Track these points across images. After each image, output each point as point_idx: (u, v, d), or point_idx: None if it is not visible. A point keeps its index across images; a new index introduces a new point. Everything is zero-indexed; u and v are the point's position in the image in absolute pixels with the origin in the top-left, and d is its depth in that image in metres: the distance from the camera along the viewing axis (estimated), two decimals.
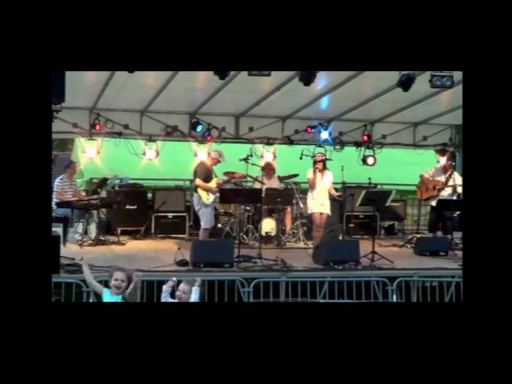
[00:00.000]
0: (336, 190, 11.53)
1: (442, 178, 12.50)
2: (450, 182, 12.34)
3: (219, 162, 11.22)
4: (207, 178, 10.88)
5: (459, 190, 12.27)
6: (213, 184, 10.92)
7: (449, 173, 12.49)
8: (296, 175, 13.21)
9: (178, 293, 5.93)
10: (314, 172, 10.87)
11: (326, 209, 10.96)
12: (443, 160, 13.37)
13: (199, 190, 10.80)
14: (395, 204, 14.13)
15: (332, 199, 11.36)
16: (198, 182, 10.80)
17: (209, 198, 10.79)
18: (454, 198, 12.26)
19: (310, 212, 11.15)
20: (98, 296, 6.24)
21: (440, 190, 12.42)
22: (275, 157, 13.84)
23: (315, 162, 10.95)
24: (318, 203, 10.87)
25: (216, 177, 11.16)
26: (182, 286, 5.96)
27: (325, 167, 11.02)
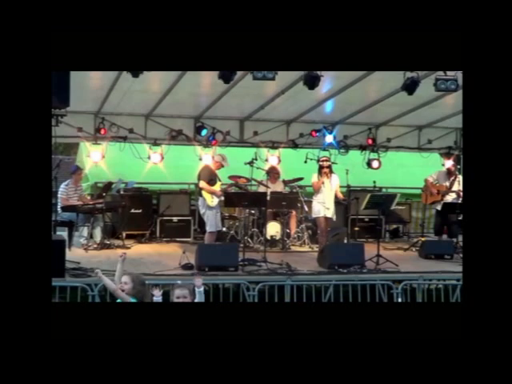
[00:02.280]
0: (342, 193, 11.49)
1: (447, 183, 12.50)
2: (455, 186, 12.32)
3: (222, 166, 11.23)
4: (211, 181, 10.89)
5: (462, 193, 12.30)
6: (217, 187, 10.93)
7: (453, 177, 12.48)
8: (301, 179, 13.20)
9: (177, 300, 5.42)
10: (322, 176, 10.81)
11: (330, 213, 10.92)
12: (449, 163, 13.34)
13: (203, 193, 10.81)
14: (400, 207, 14.13)
15: (336, 202, 11.33)
16: (202, 184, 10.81)
17: (213, 201, 10.79)
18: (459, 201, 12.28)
19: (314, 216, 11.13)
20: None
21: (444, 195, 12.41)
22: (280, 160, 13.83)
23: (322, 167, 10.90)
24: (324, 207, 10.83)
25: (220, 181, 11.18)
26: (178, 292, 5.50)
27: (331, 171, 10.99)
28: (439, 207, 12.43)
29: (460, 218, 11.88)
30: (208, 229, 10.99)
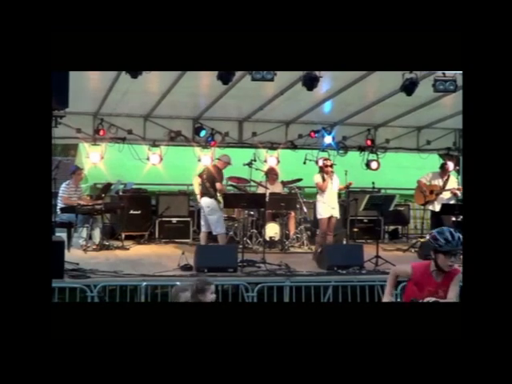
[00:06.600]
0: (339, 195, 11.49)
1: (440, 182, 12.48)
2: (449, 185, 12.34)
3: (228, 165, 11.34)
4: (221, 180, 11.04)
5: (458, 192, 12.27)
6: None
7: (446, 177, 12.48)
8: (299, 180, 13.22)
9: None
10: (327, 176, 10.78)
11: (336, 212, 10.92)
12: (451, 165, 13.24)
13: (218, 195, 10.90)
14: (399, 208, 14.13)
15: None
16: (220, 186, 10.91)
17: (221, 202, 10.92)
18: (453, 201, 12.27)
19: (319, 217, 11.06)
20: None
21: (438, 195, 12.39)
22: (279, 161, 13.84)
23: (325, 167, 10.87)
24: (329, 207, 10.79)
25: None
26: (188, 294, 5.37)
27: (333, 171, 10.99)
28: (432, 207, 12.43)
29: (456, 219, 11.86)
30: (221, 231, 11.16)
